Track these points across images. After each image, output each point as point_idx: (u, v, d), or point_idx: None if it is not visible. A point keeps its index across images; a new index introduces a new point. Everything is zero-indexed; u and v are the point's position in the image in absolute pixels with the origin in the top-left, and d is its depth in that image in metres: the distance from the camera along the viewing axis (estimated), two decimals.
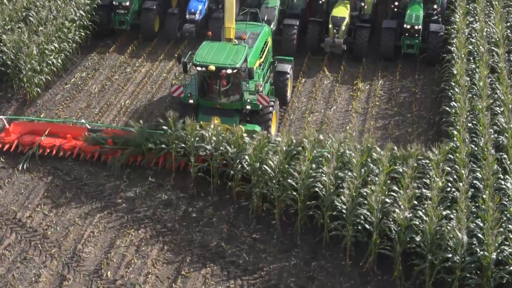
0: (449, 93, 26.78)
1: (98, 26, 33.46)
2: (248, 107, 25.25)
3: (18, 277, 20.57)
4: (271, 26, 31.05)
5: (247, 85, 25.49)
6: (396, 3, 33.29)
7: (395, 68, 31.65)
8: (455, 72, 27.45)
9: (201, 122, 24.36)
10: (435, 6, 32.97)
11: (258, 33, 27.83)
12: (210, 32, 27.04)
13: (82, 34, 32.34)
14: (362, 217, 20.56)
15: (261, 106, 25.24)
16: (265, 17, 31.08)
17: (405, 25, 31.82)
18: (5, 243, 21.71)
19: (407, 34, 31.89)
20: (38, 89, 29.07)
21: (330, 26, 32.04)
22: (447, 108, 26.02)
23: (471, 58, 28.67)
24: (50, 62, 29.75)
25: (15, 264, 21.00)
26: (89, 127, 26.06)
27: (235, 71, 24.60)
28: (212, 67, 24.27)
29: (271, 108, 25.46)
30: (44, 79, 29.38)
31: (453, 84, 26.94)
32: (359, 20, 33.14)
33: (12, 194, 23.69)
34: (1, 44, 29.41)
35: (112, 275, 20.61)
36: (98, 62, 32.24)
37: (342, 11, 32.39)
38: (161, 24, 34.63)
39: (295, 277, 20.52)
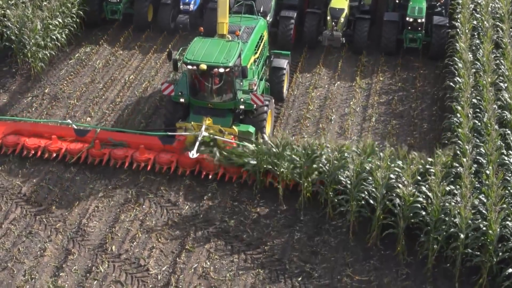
0: (453, 69, 26.66)
1: (88, 15, 32.23)
2: (242, 106, 23.81)
3: (24, 251, 20.62)
4: (267, 18, 29.41)
5: (241, 84, 24.07)
6: None
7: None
8: (459, 47, 27.31)
9: (192, 123, 23.04)
10: None
11: (253, 27, 26.44)
12: (201, 28, 25.48)
13: (86, 9, 32.00)
14: (366, 192, 20.54)
15: (255, 105, 23.81)
16: (261, 9, 29.38)
17: (407, 18, 30.03)
18: (11, 217, 21.75)
19: (409, 28, 30.15)
20: (42, 64, 28.99)
21: (328, 18, 30.37)
22: (451, 84, 25.93)
23: (475, 33, 28.51)
24: (54, 37, 29.61)
25: (21, 238, 21.04)
26: (75, 127, 24.54)
27: (227, 70, 23.06)
28: (204, 66, 22.75)
29: (265, 108, 24.04)
30: (48, 54, 29.27)
31: (457, 59, 26.80)
32: (358, 11, 31.49)
33: (16, 169, 23.69)
34: (5, 19, 29.24)
35: (117, 249, 20.66)
36: (102, 37, 32.06)
37: (341, 2, 30.75)
38: (154, 13, 33.12)
39: (298, 252, 20.55)
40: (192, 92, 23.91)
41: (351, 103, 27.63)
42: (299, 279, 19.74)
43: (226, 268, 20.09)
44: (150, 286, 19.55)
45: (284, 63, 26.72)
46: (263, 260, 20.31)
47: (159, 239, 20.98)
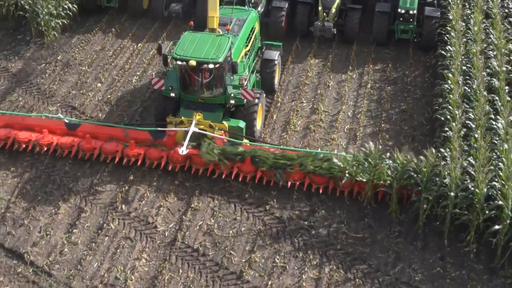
0: (445, 38, 26.53)
1: (85, 3, 30.73)
2: (232, 101, 22.27)
3: (39, 209, 20.73)
4: (259, 8, 27.69)
5: (232, 78, 22.56)
6: None
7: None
8: (451, 17, 27.14)
9: (182, 118, 21.76)
10: None
11: (245, 19, 24.77)
12: (192, 22, 23.55)
13: None
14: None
15: (245, 100, 22.33)
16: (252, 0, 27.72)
17: (399, 10, 28.22)
18: (26, 177, 21.82)
19: (401, 19, 28.39)
20: (55, 33, 28.83)
21: (320, 8, 28.65)
22: (443, 52, 25.82)
23: (466, 4, 28.30)
24: (66, 7, 29.37)
25: (36, 197, 21.14)
26: (66, 121, 22.99)
27: (217, 65, 21.51)
28: (193, 62, 21.26)
29: (256, 101, 22.53)
30: (60, 23, 29.10)
31: (449, 29, 26.66)
32: (350, 1, 29.66)
33: None
34: None
35: (127, 208, 20.77)
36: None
37: None
38: (150, 0, 31.13)
39: (297, 210, 20.65)
40: (182, 87, 22.48)
41: (348, 70, 27.55)
42: (298, 235, 19.87)
43: (229, 225, 20.22)
44: (158, 242, 19.69)
45: (275, 54, 25.14)
46: (264, 218, 20.42)
47: (166, 198, 21.07)
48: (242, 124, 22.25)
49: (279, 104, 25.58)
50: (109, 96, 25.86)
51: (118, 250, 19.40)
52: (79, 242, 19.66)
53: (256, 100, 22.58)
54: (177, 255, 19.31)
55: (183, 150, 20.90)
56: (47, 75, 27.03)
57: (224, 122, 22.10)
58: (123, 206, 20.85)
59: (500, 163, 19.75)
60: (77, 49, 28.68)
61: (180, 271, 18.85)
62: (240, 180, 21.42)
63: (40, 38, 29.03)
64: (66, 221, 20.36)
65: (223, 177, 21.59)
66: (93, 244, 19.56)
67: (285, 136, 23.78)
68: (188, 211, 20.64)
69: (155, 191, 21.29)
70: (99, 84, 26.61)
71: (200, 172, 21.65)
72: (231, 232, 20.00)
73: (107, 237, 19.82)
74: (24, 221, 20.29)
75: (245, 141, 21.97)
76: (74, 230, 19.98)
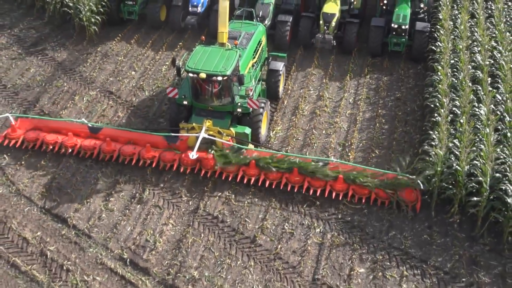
0: (435, 35, 26.35)
1: (108, 15, 29.54)
2: (239, 110, 21.59)
3: (81, 180, 20.90)
4: (266, 22, 27.12)
5: (239, 88, 21.77)
6: (385, 1, 28.59)
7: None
8: (440, 17, 26.95)
9: (194, 124, 21.16)
10: (422, 5, 28.18)
11: (252, 33, 23.87)
12: (203, 37, 23.00)
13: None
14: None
15: (251, 109, 21.71)
16: (260, 14, 27.12)
17: (392, 25, 27.13)
18: (70, 152, 21.88)
19: (394, 33, 27.23)
20: (95, 27, 28.89)
21: (321, 22, 27.56)
22: (433, 47, 25.67)
23: (454, 5, 28.07)
24: (105, 4, 29.36)
25: (78, 170, 21.30)
26: (90, 125, 22.17)
27: (225, 78, 20.83)
28: (203, 75, 20.60)
29: (261, 111, 21.81)
30: (100, 19, 29.12)
31: (438, 27, 26.48)
32: (348, 15, 28.66)
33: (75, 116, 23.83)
34: None
35: (156, 180, 20.91)
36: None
37: (332, 7, 27.84)
38: (168, 13, 30.27)
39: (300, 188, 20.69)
40: (194, 96, 21.77)
41: (350, 62, 27.43)
42: (304, 206, 19.94)
43: (245, 196, 20.31)
44: (183, 210, 19.82)
45: (280, 65, 24.27)
46: (274, 191, 20.49)
47: (191, 173, 21.11)
48: (248, 130, 21.63)
49: (289, 91, 25.54)
50: (141, 83, 25.92)
51: (149, 217, 19.56)
52: (115, 209, 19.84)
53: (261, 110, 21.93)
54: (199, 221, 19.45)
55: (193, 154, 20.20)
56: (88, 64, 27.12)
57: (231, 128, 21.48)
58: (153, 179, 20.97)
59: (481, 145, 19.71)
60: (114, 41, 28.71)
61: (202, 235, 19.00)
62: (245, 182, 20.82)
63: (82, 32, 29.08)
64: (104, 190, 20.54)
65: (229, 179, 20.90)
66: (127, 211, 19.73)
67: (294, 119, 23.79)
68: (209, 183, 20.74)
69: (181, 166, 21.35)
70: (133, 72, 26.67)
71: (209, 174, 20.94)
72: (246, 202, 20.10)
73: (139, 205, 19.97)
74: (68, 190, 20.50)
75: (250, 146, 21.58)
76: (110, 199, 20.16)
